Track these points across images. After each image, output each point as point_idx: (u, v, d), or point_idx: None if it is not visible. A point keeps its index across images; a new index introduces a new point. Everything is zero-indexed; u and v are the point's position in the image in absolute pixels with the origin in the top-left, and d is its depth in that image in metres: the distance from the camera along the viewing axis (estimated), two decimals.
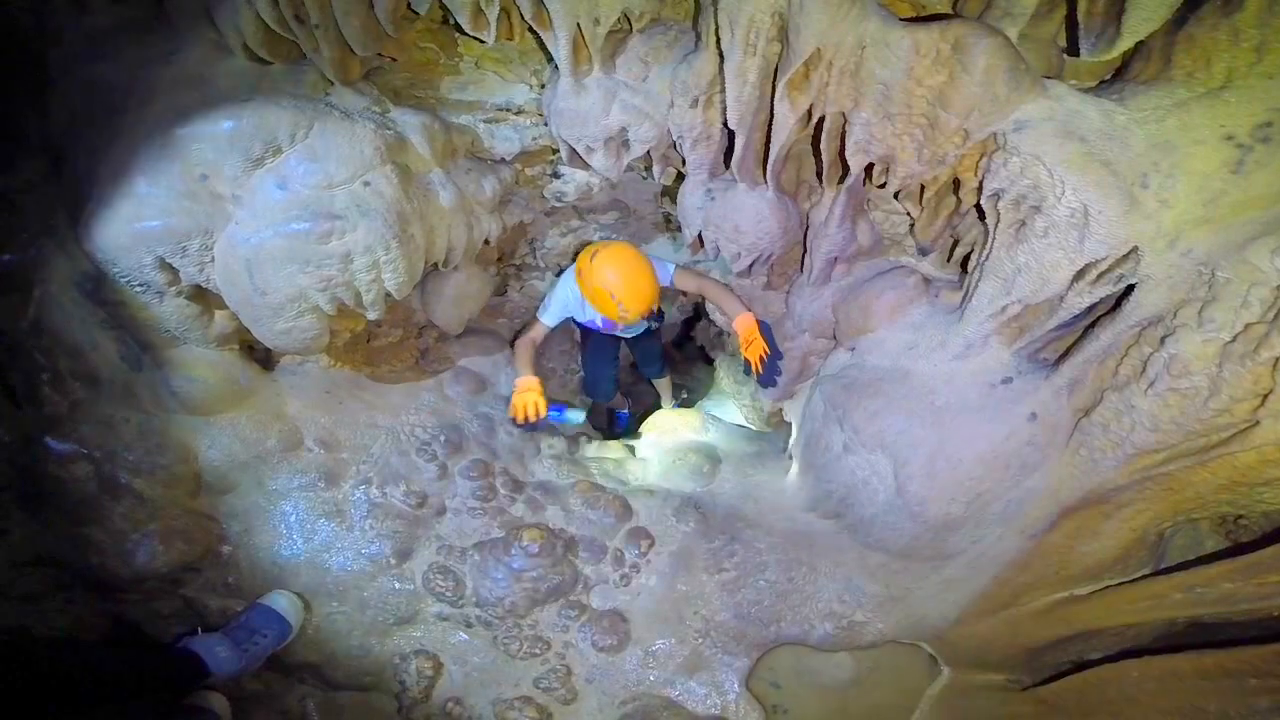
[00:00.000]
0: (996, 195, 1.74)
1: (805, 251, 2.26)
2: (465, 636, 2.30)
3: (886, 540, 2.10)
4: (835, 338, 2.27)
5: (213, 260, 1.96)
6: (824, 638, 2.22)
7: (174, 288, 2.03)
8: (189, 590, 2.29)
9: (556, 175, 2.67)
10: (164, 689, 2.01)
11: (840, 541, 2.28)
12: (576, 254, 3.02)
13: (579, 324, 2.88)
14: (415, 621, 2.31)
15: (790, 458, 2.54)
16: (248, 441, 2.34)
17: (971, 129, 1.67)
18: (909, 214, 2.07)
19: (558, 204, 2.78)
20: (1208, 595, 1.76)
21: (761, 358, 2.35)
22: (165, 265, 1.96)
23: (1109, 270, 1.65)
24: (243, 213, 1.94)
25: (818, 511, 2.34)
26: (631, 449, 2.92)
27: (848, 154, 1.86)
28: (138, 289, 2.04)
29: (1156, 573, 1.92)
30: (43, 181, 2.13)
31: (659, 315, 2.76)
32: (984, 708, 2.13)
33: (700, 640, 2.27)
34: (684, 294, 2.87)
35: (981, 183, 1.77)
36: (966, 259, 2.04)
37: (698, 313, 3.45)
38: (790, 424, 2.56)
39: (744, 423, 3.36)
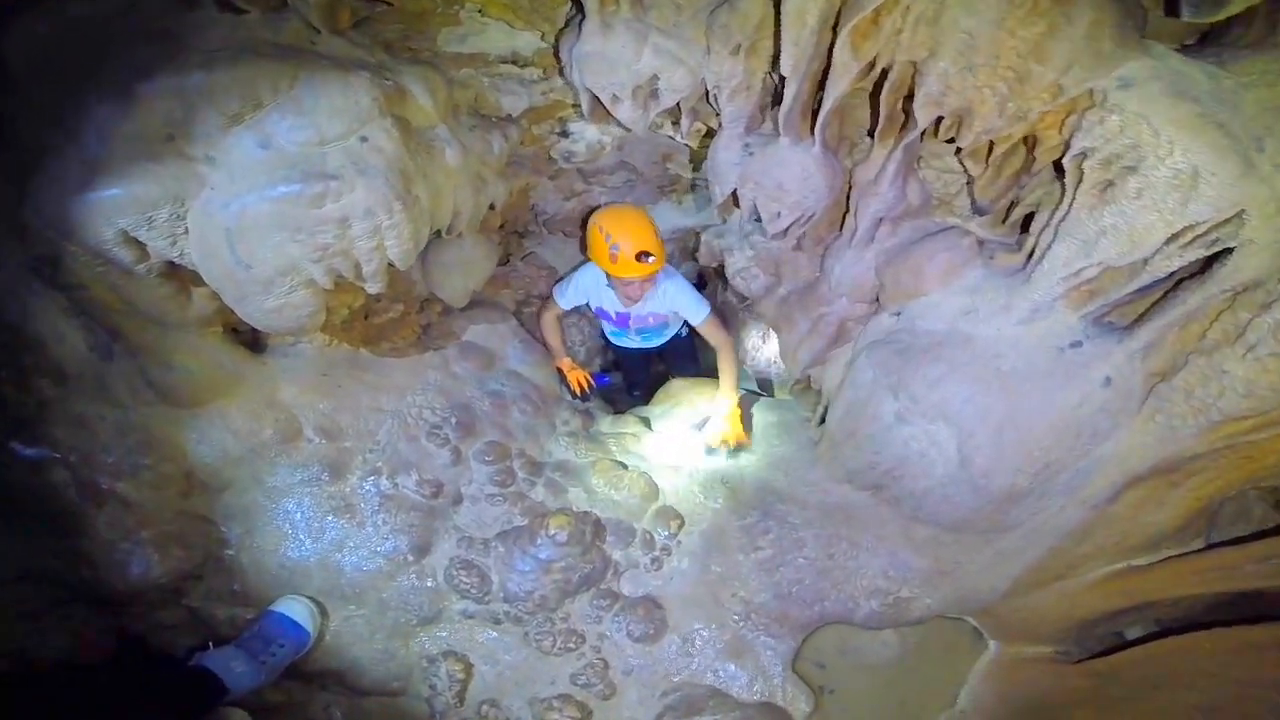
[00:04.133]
0: (1083, 154, 1.51)
1: (847, 211, 1.98)
2: (494, 634, 2.04)
3: (940, 513, 1.89)
4: (878, 301, 2.01)
5: (186, 232, 1.60)
6: (870, 615, 2.02)
7: (142, 265, 1.66)
8: (192, 600, 2.01)
9: (565, 134, 2.33)
10: (180, 712, 1.72)
11: (881, 514, 2.06)
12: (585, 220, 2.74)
13: (605, 337, 2.81)
14: (440, 621, 2.05)
15: (819, 426, 2.30)
16: (240, 434, 2.02)
17: (1067, 84, 1.45)
18: (968, 172, 1.81)
19: (565, 165, 2.44)
20: None
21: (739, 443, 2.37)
22: (129, 239, 1.60)
23: (1205, 234, 1.43)
24: (218, 176, 1.58)
25: (854, 484, 2.11)
26: (646, 422, 2.64)
27: (917, 106, 1.60)
28: (100, 269, 1.68)
29: (1225, 543, 1.75)
30: None
31: (685, 329, 2.81)
32: (1034, 681, 1.97)
33: (741, 624, 2.05)
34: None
35: (1069, 140, 1.53)
36: (1026, 221, 1.80)
37: (703, 279, 3.16)
38: (818, 392, 2.32)
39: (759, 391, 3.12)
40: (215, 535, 2.03)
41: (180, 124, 1.58)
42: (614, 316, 2.64)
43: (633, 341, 2.85)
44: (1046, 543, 1.86)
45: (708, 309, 2.51)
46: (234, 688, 1.76)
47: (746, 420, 2.50)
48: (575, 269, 2.61)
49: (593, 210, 2.41)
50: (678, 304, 2.53)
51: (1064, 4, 1.36)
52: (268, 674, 1.84)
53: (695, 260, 2.90)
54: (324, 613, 2.01)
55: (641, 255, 2.20)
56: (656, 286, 2.46)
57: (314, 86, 1.62)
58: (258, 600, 1.99)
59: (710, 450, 2.37)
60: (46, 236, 1.62)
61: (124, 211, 1.56)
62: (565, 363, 2.66)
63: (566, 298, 2.59)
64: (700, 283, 3.18)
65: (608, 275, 2.38)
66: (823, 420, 2.29)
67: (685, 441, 2.47)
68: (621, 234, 2.21)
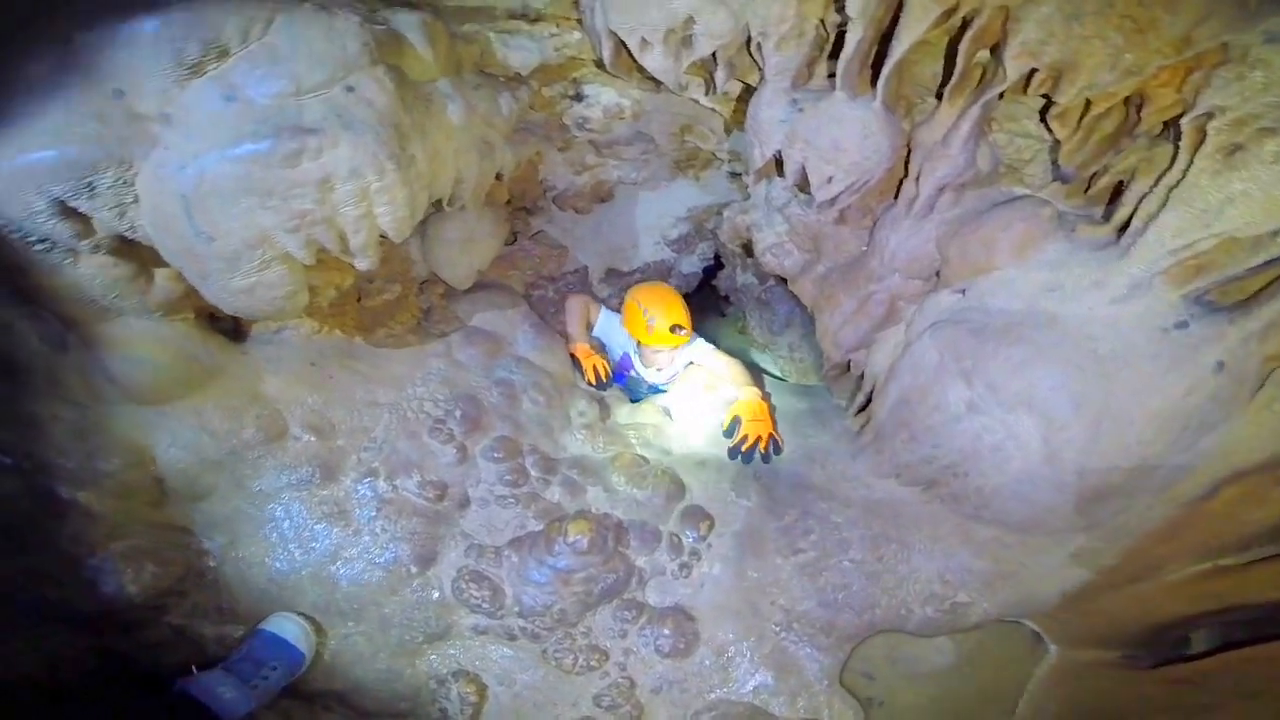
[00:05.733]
0: (1209, 114, 1.23)
1: (905, 177, 1.65)
2: (509, 652, 1.72)
3: (1010, 513, 1.58)
4: (938, 277, 1.68)
5: (136, 201, 1.24)
6: (924, 623, 1.72)
7: (88, 241, 1.31)
8: (175, 617, 1.67)
9: (579, 97, 1.96)
10: None
11: (934, 513, 1.76)
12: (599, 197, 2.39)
13: (616, 377, 2.49)
14: (449, 637, 1.72)
15: (858, 415, 1.98)
16: (218, 434, 1.67)
17: (1198, 37, 1.19)
18: (1054, 135, 1.49)
19: (578, 134, 2.08)
20: None
21: (771, 436, 2.03)
22: (68, 211, 1.25)
23: None
24: (174, 135, 1.22)
25: (902, 479, 1.81)
26: (666, 411, 2.30)
27: (1008, 57, 1.30)
28: (38, 247, 1.32)
29: None
30: None
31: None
32: (1102, 689, 1.68)
33: (782, 634, 1.74)
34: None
35: (1193, 99, 1.25)
36: (1116, 189, 1.49)
37: (719, 261, 2.81)
38: (859, 378, 1.99)
39: (781, 376, 2.79)
40: (195, 547, 1.69)
41: (130, 77, 1.23)
42: (630, 373, 2.55)
43: (642, 392, 2.56)
44: (1126, 543, 1.56)
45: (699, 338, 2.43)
46: (222, 715, 1.45)
47: (773, 413, 2.15)
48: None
49: (630, 287, 2.46)
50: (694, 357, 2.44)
51: None
52: (259, 699, 1.53)
53: (715, 238, 2.56)
54: (319, 630, 1.68)
55: (675, 328, 2.24)
56: (678, 357, 2.44)
57: (292, 31, 1.27)
58: (247, 617, 1.67)
59: (734, 454, 2.00)
60: None
61: (58, 177, 1.21)
62: (582, 348, 2.32)
63: (603, 316, 2.50)
64: (716, 264, 2.83)
65: (639, 344, 2.40)
66: (863, 408, 1.97)
67: (710, 433, 2.13)
68: (657, 309, 2.26)
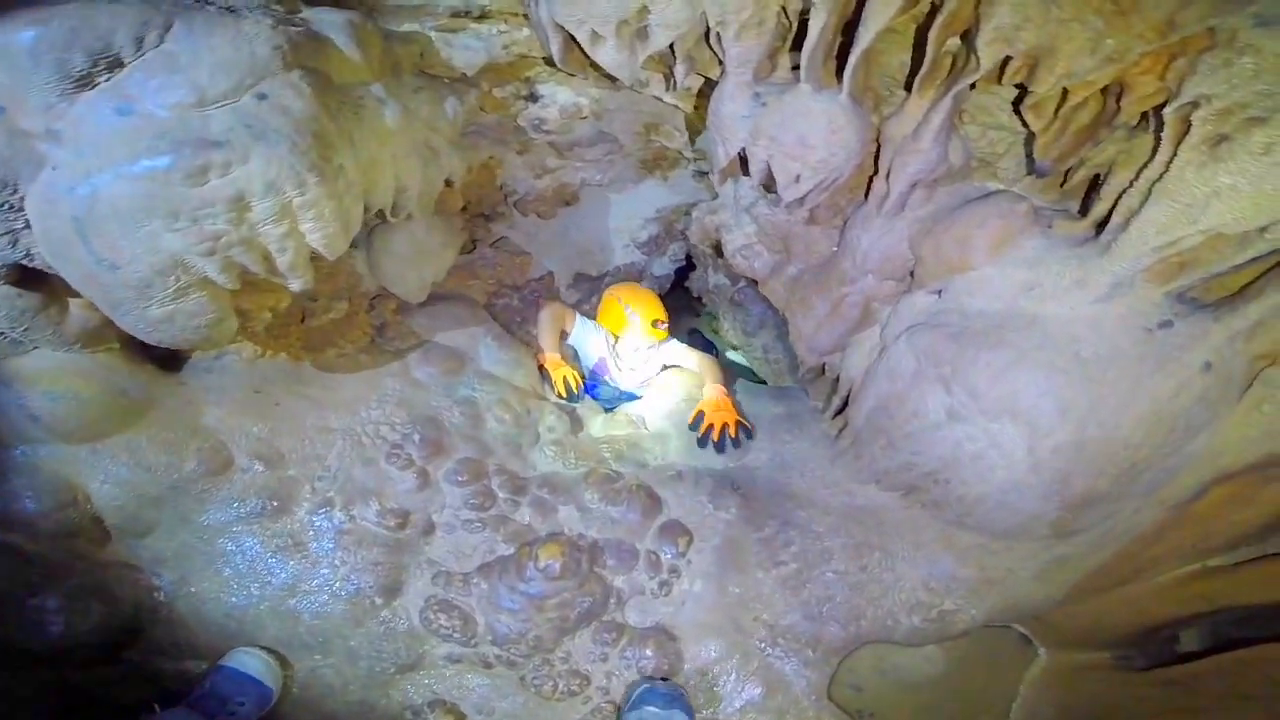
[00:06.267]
0: (1194, 103, 1.12)
1: (875, 173, 1.53)
2: (486, 680, 1.60)
3: (995, 520, 1.48)
4: (912, 277, 1.57)
5: (28, 226, 1.08)
6: (911, 633, 1.62)
7: None
8: (133, 654, 1.56)
9: (534, 98, 1.81)
10: None
11: (915, 519, 1.66)
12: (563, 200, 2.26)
13: (588, 387, 2.35)
14: (421, 667, 1.60)
15: (835, 418, 1.87)
16: (155, 468, 1.54)
17: (1183, 20, 1.08)
18: (1028, 128, 1.38)
19: (535, 136, 1.92)
20: None
21: (739, 422, 1.94)
22: None
23: None
24: (64, 153, 1.05)
25: (882, 484, 1.70)
26: (640, 420, 2.16)
27: (982, 44, 1.18)
28: None
29: None
30: None
31: None
32: (1096, 692, 1.60)
33: (767, 650, 1.63)
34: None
35: (1177, 87, 1.14)
36: (1094, 183, 1.38)
37: (690, 261, 2.68)
38: (834, 380, 1.88)
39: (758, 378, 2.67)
40: (144, 584, 1.56)
41: (9, 93, 1.06)
42: (605, 378, 2.41)
43: (616, 399, 2.41)
44: (1113, 547, 1.48)
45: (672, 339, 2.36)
46: None
47: (738, 407, 2.04)
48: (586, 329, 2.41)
49: (601, 290, 2.44)
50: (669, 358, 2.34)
51: None
52: None
53: (685, 239, 2.43)
54: (284, 664, 1.57)
55: (656, 322, 2.21)
56: (654, 358, 2.33)
57: (193, 37, 1.11)
58: (207, 653, 1.56)
59: (704, 443, 1.91)
60: None
61: None
62: (552, 359, 2.16)
63: (579, 323, 2.36)
64: (689, 264, 2.69)
65: (616, 343, 2.32)
66: (839, 411, 1.86)
67: (686, 442, 2.00)
68: (638, 305, 2.23)
